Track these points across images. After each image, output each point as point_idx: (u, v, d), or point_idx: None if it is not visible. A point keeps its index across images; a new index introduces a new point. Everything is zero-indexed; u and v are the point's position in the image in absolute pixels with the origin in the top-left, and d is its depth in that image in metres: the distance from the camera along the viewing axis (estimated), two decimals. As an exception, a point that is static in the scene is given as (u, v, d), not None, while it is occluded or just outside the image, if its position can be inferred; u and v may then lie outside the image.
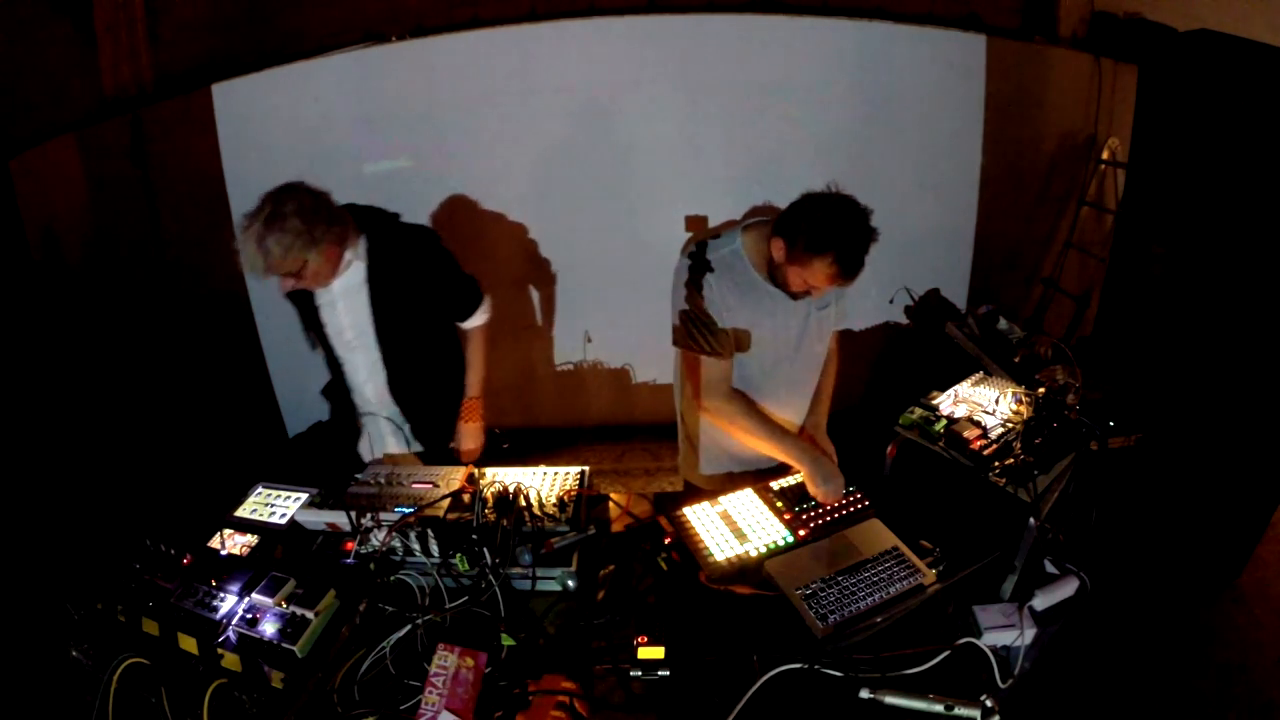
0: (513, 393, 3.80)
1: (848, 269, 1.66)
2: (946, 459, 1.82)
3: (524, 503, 1.79)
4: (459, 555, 1.64)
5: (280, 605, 1.54)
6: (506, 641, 1.51)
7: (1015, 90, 3.31)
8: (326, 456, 2.32)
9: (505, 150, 3.30)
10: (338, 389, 2.22)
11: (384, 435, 2.23)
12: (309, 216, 1.75)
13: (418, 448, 2.26)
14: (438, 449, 2.28)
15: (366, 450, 2.28)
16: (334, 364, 2.15)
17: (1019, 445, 1.78)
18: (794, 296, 1.81)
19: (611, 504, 1.98)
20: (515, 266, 3.52)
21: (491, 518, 1.73)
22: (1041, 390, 1.91)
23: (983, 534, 1.71)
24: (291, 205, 1.73)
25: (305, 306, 2.05)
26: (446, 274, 2.11)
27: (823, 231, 1.63)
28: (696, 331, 1.86)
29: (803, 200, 1.70)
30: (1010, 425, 1.85)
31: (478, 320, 2.22)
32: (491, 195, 3.39)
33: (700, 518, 1.83)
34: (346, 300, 1.99)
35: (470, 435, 2.27)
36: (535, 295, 3.61)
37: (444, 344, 2.22)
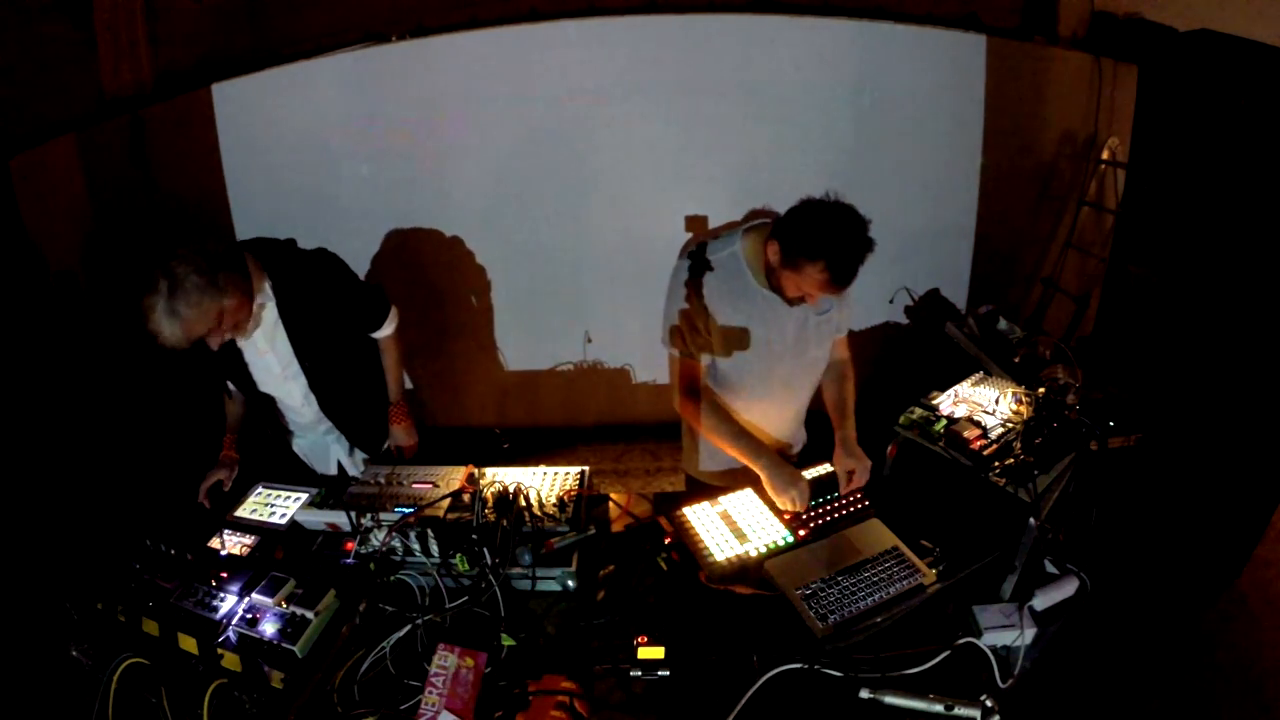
0: (513, 393, 3.81)
1: (839, 277, 1.66)
2: (946, 459, 1.82)
3: (524, 503, 1.79)
4: (459, 555, 1.64)
5: (280, 605, 1.54)
6: (506, 641, 1.51)
7: (1015, 90, 3.31)
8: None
9: (505, 150, 3.30)
10: (269, 416, 2.26)
11: (327, 450, 2.29)
12: (205, 270, 1.73)
13: (362, 456, 2.32)
14: (378, 453, 2.35)
15: (319, 464, 2.33)
16: (261, 403, 2.19)
17: (1019, 445, 1.78)
18: (790, 301, 1.81)
19: (611, 504, 1.98)
20: (514, 266, 3.53)
21: (491, 518, 1.73)
22: (1041, 390, 1.91)
23: (983, 534, 1.71)
24: (184, 268, 1.72)
25: (226, 359, 2.04)
26: (352, 292, 2.13)
27: (816, 239, 1.63)
28: (683, 332, 1.87)
29: (801, 206, 1.70)
30: (1010, 425, 1.85)
31: (387, 330, 2.24)
32: (491, 194, 3.39)
33: (700, 518, 1.83)
34: (268, 340, 2.00)
35: (404, 434, 2.34)
36: (535, 294, 3.61)
37: (363, 356, 2.26)
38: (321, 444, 2.29)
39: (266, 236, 2.02)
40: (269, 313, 1.96)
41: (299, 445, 2.33)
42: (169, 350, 1.77)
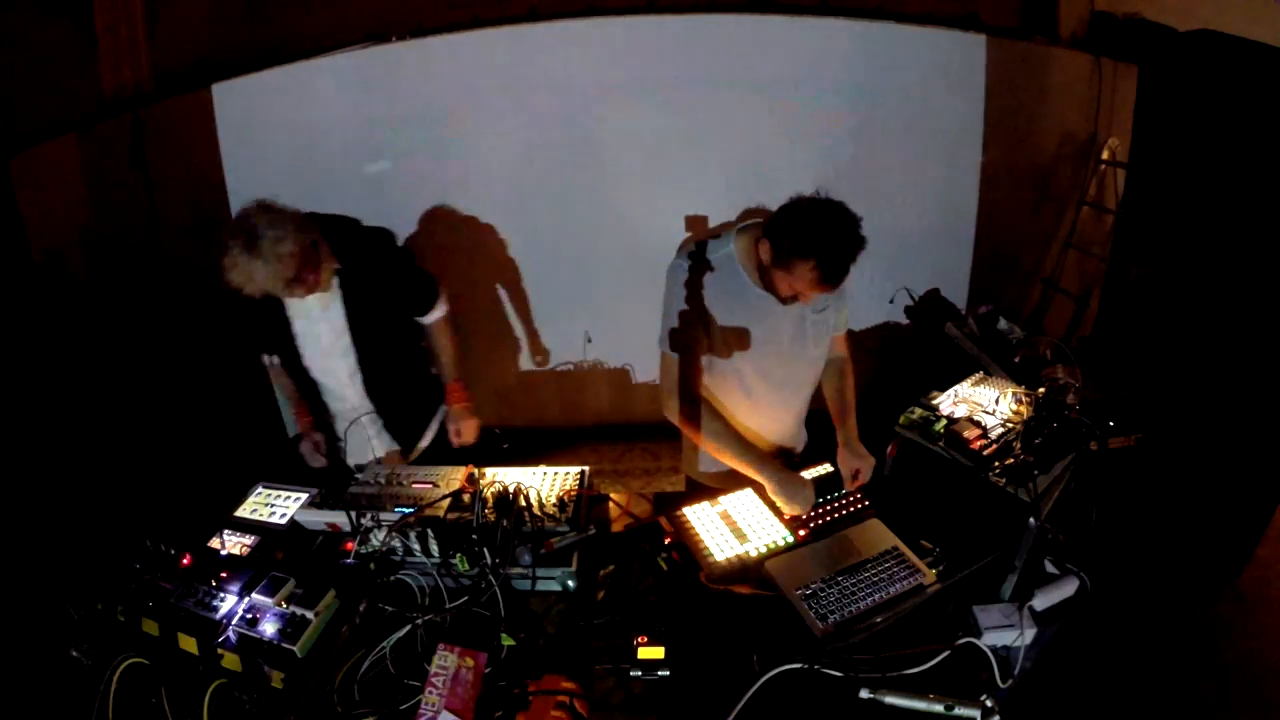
0: (513, 393, 3.81)
1: (830, 275, 1.65)
2: (946, 459, 1.82)
3: (524, 503, 1.79)
4: (459, 555, 1.64)
5: (280, 605, 1.54)
6: (506, 641, 1.51)
7: (1015, 90, 3.31)
8: (327, 456, 2.32)
9: (505, 150, 3.29)
10: (308, 398, 2.25)
11: (366, 436, 2.26)
12: (283, 219, 1.79)
13: (394, 446, 2.30)
14: (412, 445, 2.34)
15: (353, 453, 2.30)
16: (300, 373, 2.18)
17: (1019, 445, 1.78)
18: (784, 300, 1.81)
19: (611, 504, 1.98)
20: (513, 265, 3.52)
21: (491, 518, 1.73)
22: (1041, 390, 1.91)
23: (983, 534, 1.71)
24: (263, 217, 1.77)
25: (272, 320, 2.06)
26: (409, 273, 2.18)
27: (806, 237, 1.62)
28: (682, 333, 1.87)
29: (791, 204, 1.69)
30: (1010, 425, 1.85)
31: (438, 313, 2.27)
32: (491, 194, 3.39)
33: (700, 518, 1.83)
34: (323, 309, 2.03)
35: (463, 414, 2.29)
36: (535, 295, 3.61)
37: (411, 341, 2.28)
38: (359, 432, 2.25)
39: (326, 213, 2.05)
40: (330, 281, 1.99)
41: (337, 422, 2.29)
42: (242, 300, 1.83)
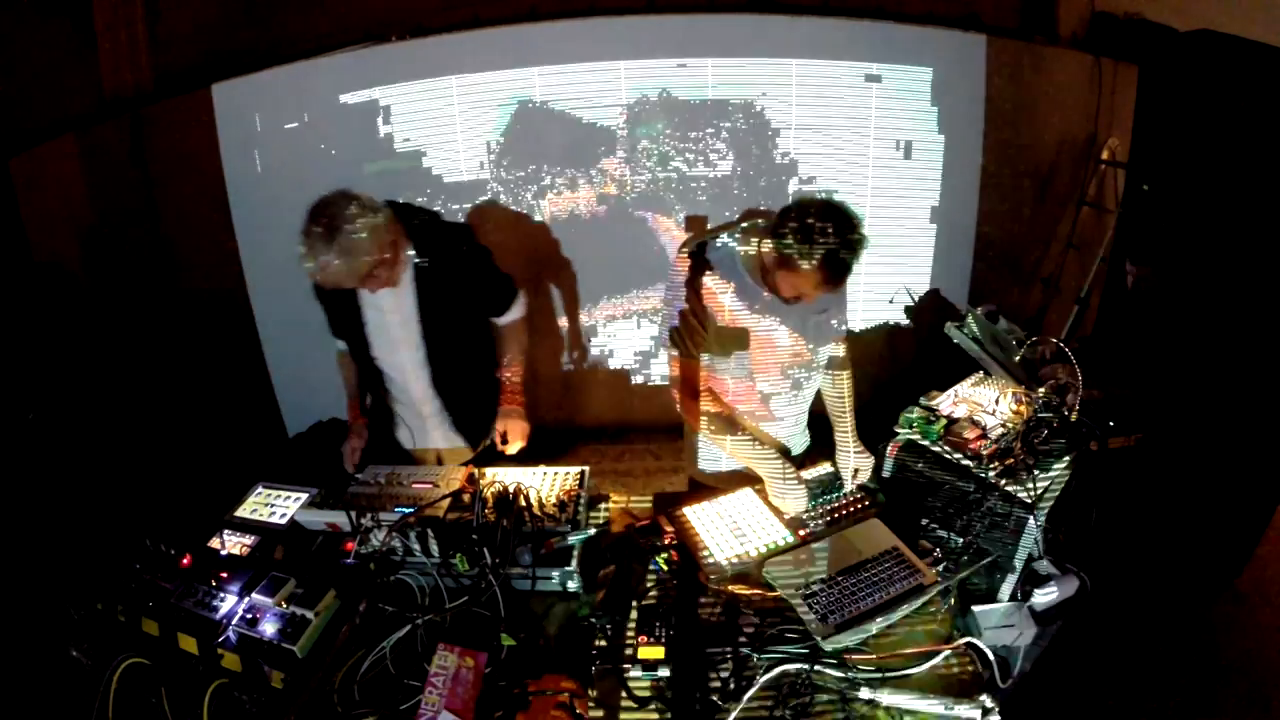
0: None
1: (833, 276, 1.65)
2: (946, 459, 1.82)
3: (524, 503, 1.79)
4: (459, 555, 1.64)
5: (280, 605, 1.54)
6: (506, 641, 1.51)
7: (1015, 90, 3.31)
8: (326, 456, 2.32)
9: (504, 150, 3.29)
10: (373, 386, 2.23)
11: (427, 430, 2.24)
12: (365, 207, 1.79)
13: (460, 442, 2.27)
14: (479, 442, 2.30)
15: (408, 441, 2.29)
16: (367, 362, 2.16)
17: (1019, 445, 1.78)
18: (786, 301, 1.81)
19: (611, 504, 1.98)
20: (512, 266, 3.52)
21: (491, 518, 1.73)
22: (1041, 390, 1.91)
23: (983, 534, 1.71)
24: (346, 206, 1.77)
25: (344, 306, 2.05)
26: (486, 270, 2.15)
27: (809, 237, 1.62)
28: (685, 332, 1.87)
29: (793, 206, 1.69)
30: (1010, 425, 1.85)
31: (514, 314, 2.24)
32: (489, 195, 3.38)
33: (700, 518, 1.83)
34: (395, 298, 2.01)
35: (510, 417, 2.19)
36: (534, 294, 3.60)
37: (482, 340, 2.25)
38: (422, 426, 2.24)
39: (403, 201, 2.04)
40: (405, 274, 1.98)
41: (400, 413, 2.25)
42: (322, 290, 1.82)
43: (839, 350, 2.10)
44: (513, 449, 2.18)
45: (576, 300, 3.59)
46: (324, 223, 1.75)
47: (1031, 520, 1.61)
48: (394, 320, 2.03)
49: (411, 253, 1.98)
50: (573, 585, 1.67)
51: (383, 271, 1.87)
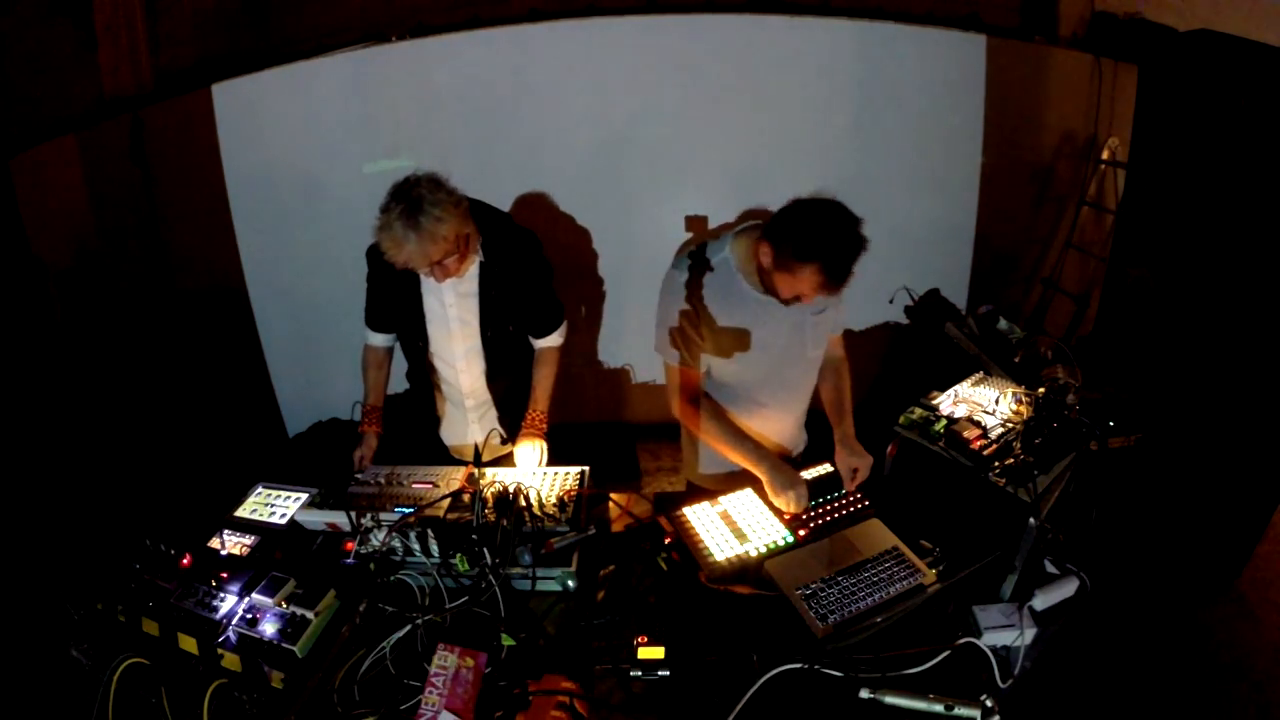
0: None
1: (834, 277, 1.64)
2: (946, 459, 1.82)
3: (524, 503, 1.79)
4: (459, 555, 1.64)
5: (280, 605, 1.54)
6: (506, 641, 1.51)
7: (1015, 90, 3.31)
8: (326, 456, 2.32)
9: (504, 150, 3.29)
10: (418, 374, 2.24)
11: (468, 423, 2.26)
12: (445, 194, 1.80)
13: (496, 439, 2.22)
14: (513, 438, 2.27)
15: (449, 435, 2.31)
16: (416, 351, 2.17)
17: (1019, 445, 1.78)
18: (785, 303, 1.79)
19: (611, 504, 1.98)
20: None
21: (491, 518, 1.73)
22: (1041, 390, 1.91)
23: (983, 534, 1.71)
24: (427, 190, 1.78)
25: (404, 291, 2.05)
26: (545, 285, 2.17)
27: (809, 239, 1.61)
28: (678, 339, 1.87)
29: (791, 206, 1.68)
30: (1010, 425, 1.85)
31: (554, 340, 2.24)
32: (490, 195, 3.36)
33: (700, 518, 1.83)
34: (457, 290, 2.03)
35: (527, 438, 2.13)
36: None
37: (524, 350, 2.25)
38: (463, 419, 2.25)
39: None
40: (472, 268, 2.01)
41: (443, 406, 2.28)
42: (383, 264, 1.82)
43: (838, 350, 2.10)
44: (525, 471, 2.12)
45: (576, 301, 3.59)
46: (405, 203, 1.76)
47: (1031, 520, 1.61)
48: (453, 313, 2.06)
49: (476, 248, 1.99)
50: (573, 585, 1.67)
51: (453, 262, 1.88)
